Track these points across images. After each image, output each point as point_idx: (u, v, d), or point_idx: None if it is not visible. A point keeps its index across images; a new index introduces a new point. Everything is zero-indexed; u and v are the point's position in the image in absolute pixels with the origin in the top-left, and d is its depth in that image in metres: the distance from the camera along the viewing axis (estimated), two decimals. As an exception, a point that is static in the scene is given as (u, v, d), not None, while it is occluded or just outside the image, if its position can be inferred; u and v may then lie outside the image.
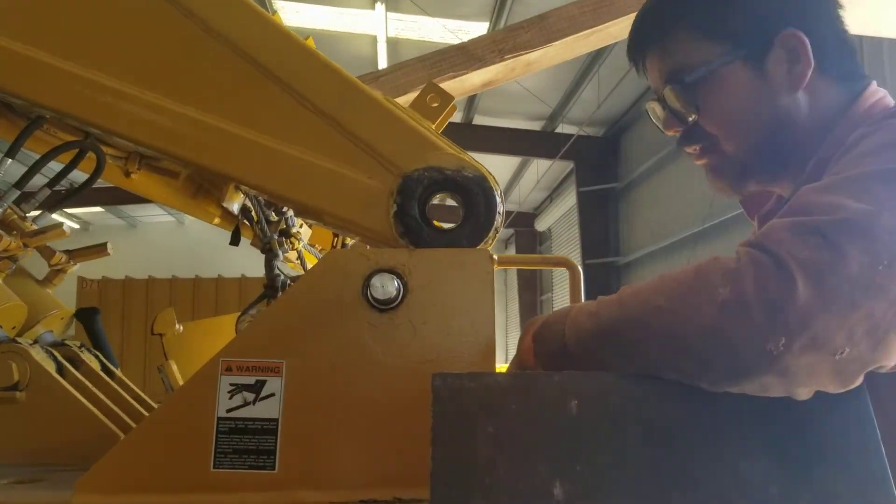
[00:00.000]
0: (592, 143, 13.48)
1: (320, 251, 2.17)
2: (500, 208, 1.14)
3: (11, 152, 1.25)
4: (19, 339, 1.54)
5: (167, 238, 20.53)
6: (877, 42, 6.46)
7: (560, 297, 16.85)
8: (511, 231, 19.87)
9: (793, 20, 1.11)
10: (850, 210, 0.78)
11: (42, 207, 1.59)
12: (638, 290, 0.89)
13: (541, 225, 18.88)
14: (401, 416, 1.03)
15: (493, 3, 9.14)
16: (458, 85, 1.79)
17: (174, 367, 2.04)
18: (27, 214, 1.50)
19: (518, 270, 19.17)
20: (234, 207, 1.30)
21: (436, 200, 1.17)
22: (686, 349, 0.79)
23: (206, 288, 13.27)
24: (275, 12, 9.24)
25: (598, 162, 13.64)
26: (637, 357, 0.84)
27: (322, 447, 1.05)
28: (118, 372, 1.85)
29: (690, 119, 1.18)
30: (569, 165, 14.42)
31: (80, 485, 1.04)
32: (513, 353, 1.15)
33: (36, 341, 1.62)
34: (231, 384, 1.07)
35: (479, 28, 9.36)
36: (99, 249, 1.70)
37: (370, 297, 1.06)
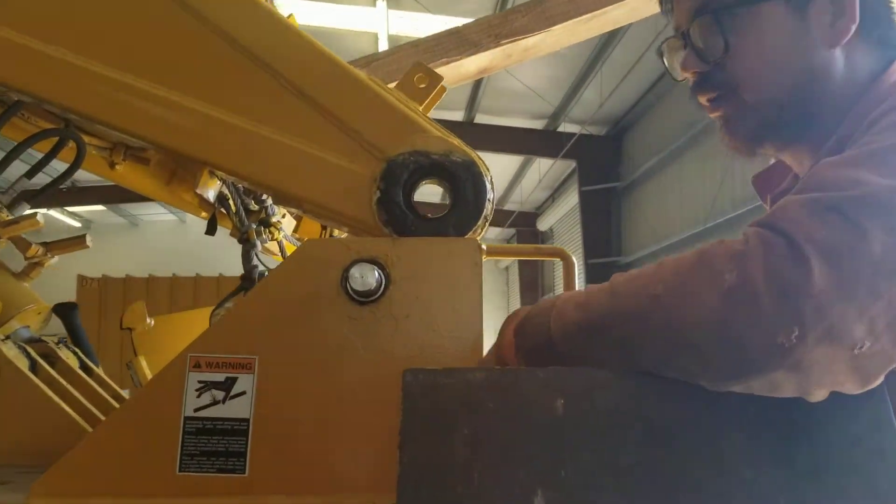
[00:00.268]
0: (595, 143, 13.40)
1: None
2: (490, 195, 1.07)
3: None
4: (-9, 335, 1.47)
5: (169, 236, 20.49)
6: None
7: (562, 297, 16.70)
8: (513, 231, 19.80)
9: None
10: (872, 185, 0.70)
11: (20, 199, 1.51)
12: (632, 277, 0.80)
13: (543, 224, 18.80)
14: (381, 416, 0.95)
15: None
16: (453, 71, 1.72)
17: (144, 364, 1.97)
18: (19, 207, 1.42)
19: (520, 270, 19.09)
20: (210, 195, 1.23)
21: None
22: (686, 343, 0.71)
23: (207, 286, 13.22)
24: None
25: (601, 161, 13.56)
26: (631, 353, 0.75)
27: (296, 449, 0.98)
28: (98, 369, 1.78)
29: (716, 58, 1.07)
30: (571, 165, 14.35)
31: (36, 487, 0.97)
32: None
33: (8, 337, 1.55)
34: (199, 381, 0.99)
35: (481, 25, 9.24)
36: (77, 242, 1.63)
37: (349, 289, 0.99)
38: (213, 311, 1.28)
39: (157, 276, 14.33)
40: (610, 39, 9.49)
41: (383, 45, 10.36)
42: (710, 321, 0.69)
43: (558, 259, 1.45)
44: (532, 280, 18.98)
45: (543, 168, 14.72)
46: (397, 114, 1.07)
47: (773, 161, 1.23)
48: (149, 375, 2.15)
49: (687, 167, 10.62)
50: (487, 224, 1.08)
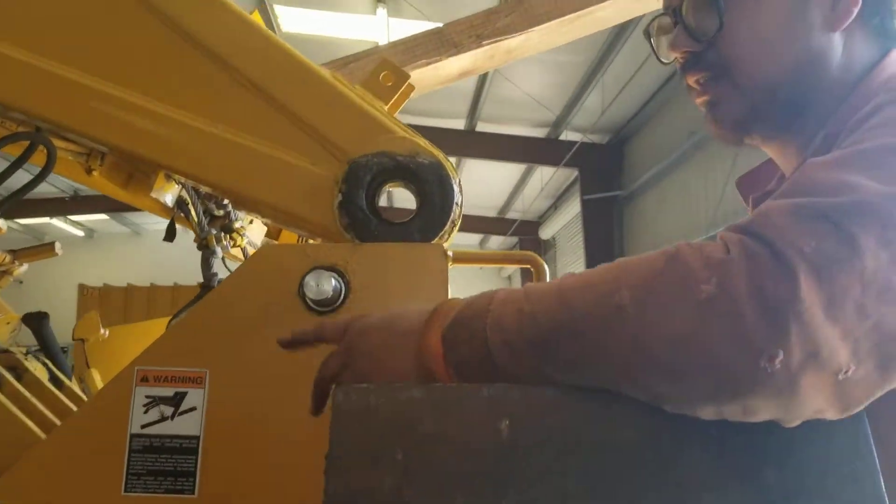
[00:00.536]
0: (597, 151, 13.33)
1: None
2: (458, 198, 1.02)
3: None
4: (-50, 346, 1.42)
5: (171, 245, 20.34)
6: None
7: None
8: (515, 239, 19.73)
9: None
10: (865, 191, 0.64)
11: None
12: (586, 282, 0.70)
13: (545, 233, 18.72)
14: (340, 433, 0.90)
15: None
16: (434, 73, 1.66)
17: (97, 377, 1.91)
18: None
19: (522, 276, 18.99)
20: (167, 199, 1.17)
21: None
22: (655, 361, 0.62)
23: (207, 295, 13.14)
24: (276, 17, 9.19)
25: (603, 170, 13.49)
26: (588, 371, 0.66)
27: (248, 469, 0.93)
28: (69, 382, 1.72)
29: (707, 36, 1.00)
30: (573, 173, 14.28)
31: (-29, 510, 0.91)
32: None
33: (-28, 348, 1.50)
34: (147, 396, 0.94)
35: (481, 34, 9.22)
36: (46, 249, 1.58)
37: (305, 298, 0.94)
38: (170, 321, 1.23)
39: (159, 284, 14.27)
40: (611, 47, 9.45)
41: (384, 54, 10.30)
42: (683, 337, 0.61)
43: (529, 266, 1.38)
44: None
45: (545, 177, 14.67)
46: (361, 113, 1.02)
47: (760, 164, 1.17)
48: (101, 389, 2.08)
49: (689, 176, 10.55)
50: (455, 229, 1.03)
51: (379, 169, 1.00)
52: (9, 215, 16.56)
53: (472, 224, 18.35)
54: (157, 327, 1.87)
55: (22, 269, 1.66)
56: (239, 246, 1.40)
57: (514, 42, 1.63)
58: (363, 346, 0.81)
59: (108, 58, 0.99)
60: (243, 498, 0.92)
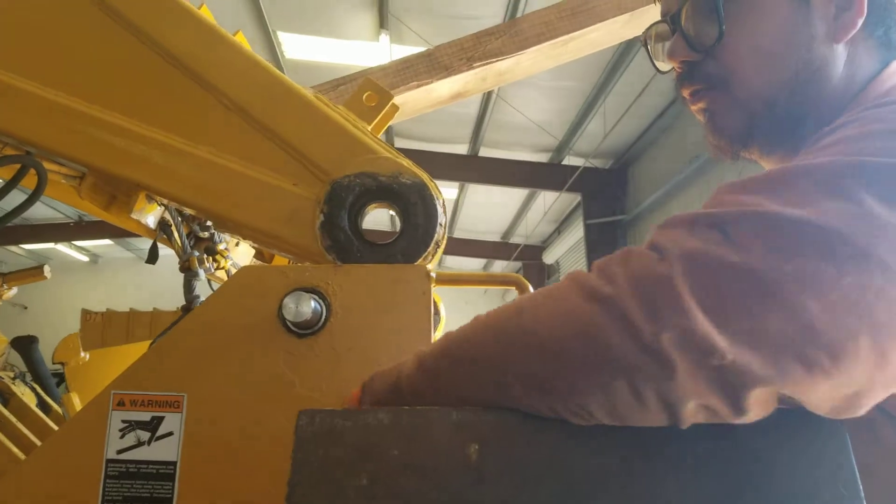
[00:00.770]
0: (599, 176, 13.34)
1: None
2: (442, 219, 1.00)
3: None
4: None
5: (174, 270, 20.40)
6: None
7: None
8: (519, 264, 19.71)
9: None
10: (763, 207, 0.65)
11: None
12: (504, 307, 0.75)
13: (549, 258, 18.69)
14: (319, 459, 0.88)
15: (497, 34, 9.09)
16: (425, 95, 1.66)
17: (76, 401, 1.89)
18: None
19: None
20: (149, 220, 1.16)
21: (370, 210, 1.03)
22: (546, 349, 0.65)
23: (210, 321, 13.08)
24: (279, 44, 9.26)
25: (606, 194, 13.49)
26: (487, 370, 0.68)
27: (227, 495, 0.90)
28: (57, 406, 1.71)
29: (706, 45, 0.97)
30: (576, 198, 14.28)
31: (-58, 538, 0.89)
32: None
33: (-42, 372, 1.48)
34: (123, 421, 0.92)
35: (483, 59, 9.26)
36: (35, 273, 1.56)
37: (285, 320, 0.92)
38: (151, 344, 1.21)
39: (162, 309, 14.24)
40: (612, 73, 9.49)
41: (386, 80, 10.37)
42: (569, 321, 0.65)
43: (514, 288, 1.37)
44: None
45: (548, 201, 14.68)
46: (343, 133, 1.01)
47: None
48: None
49: (692, 199, 10.55)
50: (440, 250, 1.01)
51: (361, 190, 0.99)
52: (13, 240, 16.64)
53: (476, 249, 18.34)
54: (137, 350, 1.86)
55: (11, 292, 1.65)
56: (223, 268, 1.39)
57: (506, 64, 1.63)
58: None
59: (87, 78, 0.99)
60: (220, 525, 0.90)
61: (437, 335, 1.51)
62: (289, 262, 2.03)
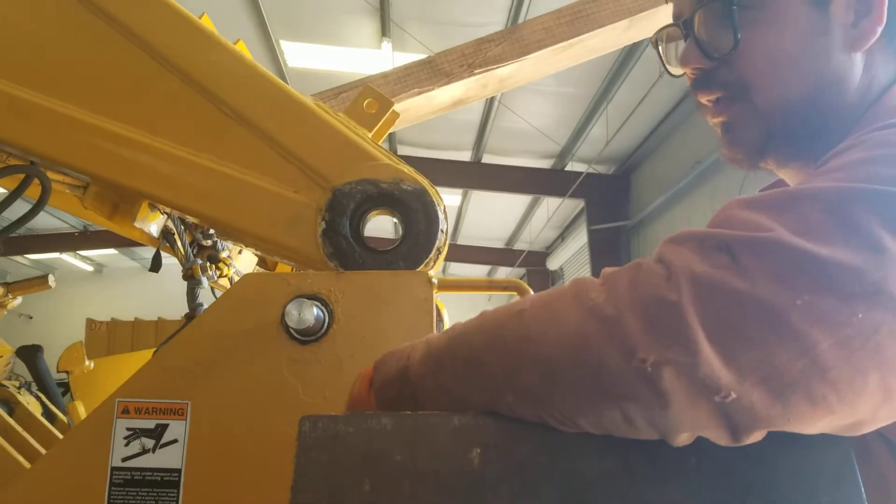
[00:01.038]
0: (603, 181, 13.35)
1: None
2: (443, 225, 1.01)
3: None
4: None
5: (178, 279, 20.44)
6: None
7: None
8: (523, 270, 19.70)
9: None
10: (773, 231, 0.63)
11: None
12: (487, 317, 0.73)
13: (553, 264, 18.68)
14: (323, 465, 0.88)
15: (498, 41, 9.10)
16: (426, 102, 1.66)
17: (81, 409, 1.89)
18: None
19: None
20: (152, 229, 1.17)
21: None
22: (540, 359, 0.64)
23: (215, 329, 13.09)
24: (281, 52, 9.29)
25: (609, 200, 13.48)
26: (481, 367, 0.68)
27: (231, 502, 0.91)
28: (62, 416, 1.71)
29: (721, 53, 0.94)
30: (579, 204, 14.28)
31: (-52, 547, 0.90)
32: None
33: (-36, 382, 1.49)
34: (128, 429, 0.92)
35: (485, 66, 9.27)
36: (39, 282, 1.57)
37: (288, 327, 0.92)
38: (155, 352, 1.22)
39: (167, 318, 14.27)
40: (615, 79, 9.50)
41: (389, 88, 10.38)
42: (567, 337, 0.63)
43: (515, 293, 1.37)
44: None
45: (552, 207, 14.68)
46: (344, 141, 1.01)
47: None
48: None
49: (695, 205, 10.54)
50: (441, 256, 1.02)
51: (363, 197, 0.99)
52: (19, 250, 16.69)
53: (480, 256, 18.34)
54: (142, 359, 1.87)
55: (16, 301, 1.66)
56: (226, 276, 1.40)
57: (506, 71, 1.64)
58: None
59: (90, 88, 1.00)
60: (225, 532, 0.90)
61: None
62: (292, 270, 2.04)
